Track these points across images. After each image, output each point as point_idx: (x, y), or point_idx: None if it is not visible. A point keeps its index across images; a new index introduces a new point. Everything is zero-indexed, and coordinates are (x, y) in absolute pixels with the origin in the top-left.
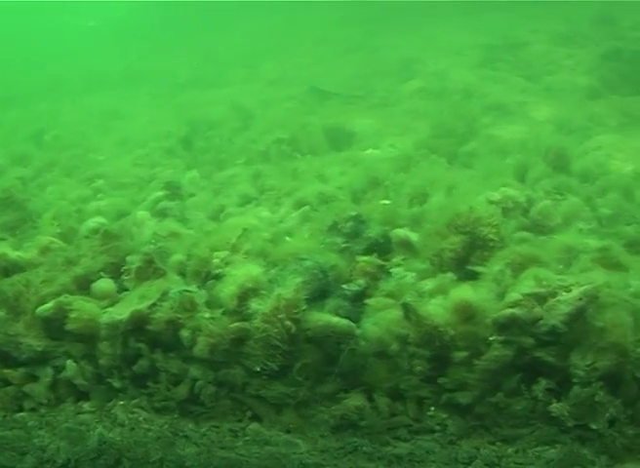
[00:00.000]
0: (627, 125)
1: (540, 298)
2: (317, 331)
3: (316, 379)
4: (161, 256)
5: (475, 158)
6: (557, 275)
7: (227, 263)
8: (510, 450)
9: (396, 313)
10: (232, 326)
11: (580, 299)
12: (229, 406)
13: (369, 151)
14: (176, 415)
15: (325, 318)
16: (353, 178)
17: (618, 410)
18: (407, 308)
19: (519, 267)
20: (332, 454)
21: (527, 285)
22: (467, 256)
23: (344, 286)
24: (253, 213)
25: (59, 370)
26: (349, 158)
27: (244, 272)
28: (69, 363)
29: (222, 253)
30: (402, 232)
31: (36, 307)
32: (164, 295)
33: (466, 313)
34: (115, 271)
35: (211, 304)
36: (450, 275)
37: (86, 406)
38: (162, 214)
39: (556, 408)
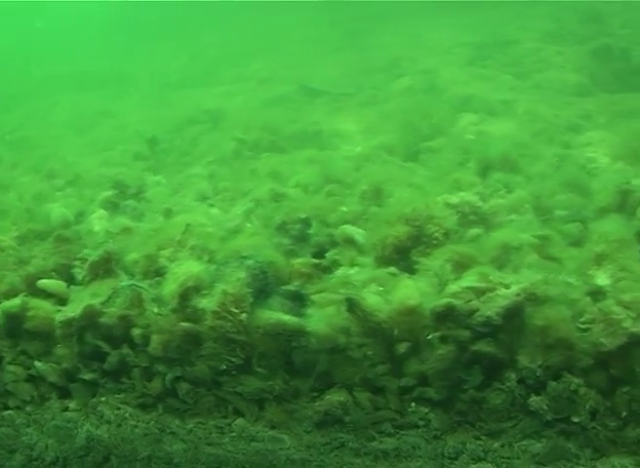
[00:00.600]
0: (615, 122)
1: (479, 292)
2: (268, 328)
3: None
4: (111, 255)
5: (439, 155)
6: (498, 272)
7: (172, 260)
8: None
9: (339, 309)
10: (183, 324)
11: (518, 295)
12: (213, 402)
13: (336, 150)
14: (161, 412)
15: (275, 316)
16: (310, 178)
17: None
18: (350, 302)
19: (461, 264)
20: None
21: (467, 279)
22: (410, 249)
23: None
24: (203, 211)
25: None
26: (314, 157)
27: (185, 269)
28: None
29: (167, 251)
30: (349, 229)
31: None
32: (115, 292)
33: (407, 306)
34: (66, 271)
35: (158, 301)
36: (392, 268)
37: (72, 404)
38: (114, 213)
39: (535, 401)
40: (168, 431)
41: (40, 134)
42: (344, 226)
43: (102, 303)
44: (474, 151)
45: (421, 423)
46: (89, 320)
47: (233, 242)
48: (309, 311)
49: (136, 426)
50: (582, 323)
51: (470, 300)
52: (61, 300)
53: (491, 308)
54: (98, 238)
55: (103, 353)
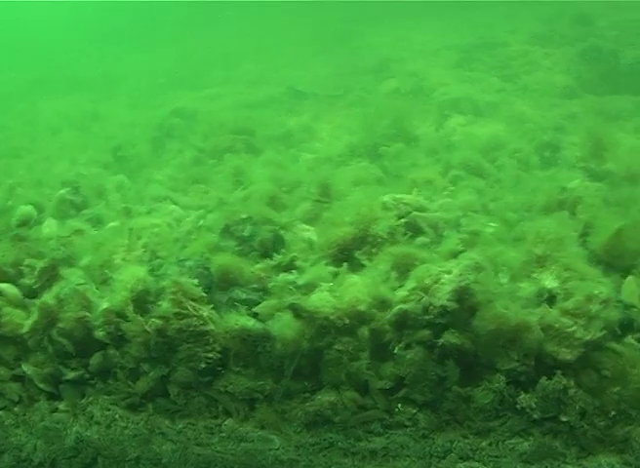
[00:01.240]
0: (602, 123)
1: (426, 288)
2: (234, 333)
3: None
4: (62, 258)
5: (409, 155)
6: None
7: (119, 264)
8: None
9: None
10: (153, 322)
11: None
12: (203, 402)
13: (306, 151)
14: (151, 412)
15: (241, 321)
16: (266, 180)
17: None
18: (294, 308)
19: (405, 264)
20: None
21: (412, 280)
22: (356, 250)
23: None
24: (157, 215)
25: None
26: (278, 159)
27: (130, 273)
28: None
29: (117, 255)
30: (299, 230)
31: None
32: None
33: (355, 306)
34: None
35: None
36: (339, 268)
37: (61, 405)
38: (64, 217)
39: (524, 399)
40: (157, 432)
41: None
42: (299, 226)
43: (58, 305)
44: (449, 152)
45: (409, 423)
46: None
47: (185, 245)
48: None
49: (125, 427)
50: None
51: (421, 298)
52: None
53: (442, 297)
54: (50, 242)
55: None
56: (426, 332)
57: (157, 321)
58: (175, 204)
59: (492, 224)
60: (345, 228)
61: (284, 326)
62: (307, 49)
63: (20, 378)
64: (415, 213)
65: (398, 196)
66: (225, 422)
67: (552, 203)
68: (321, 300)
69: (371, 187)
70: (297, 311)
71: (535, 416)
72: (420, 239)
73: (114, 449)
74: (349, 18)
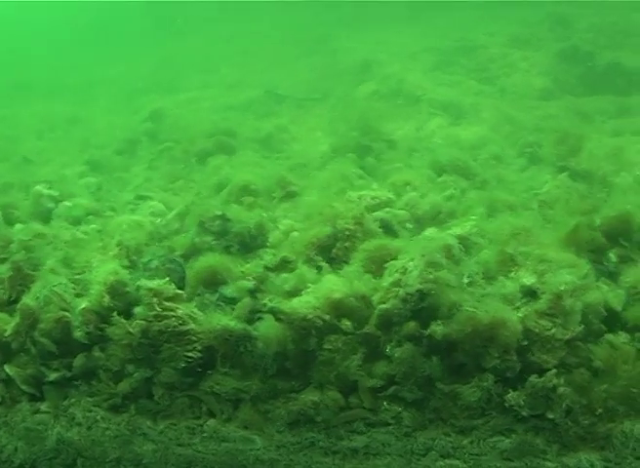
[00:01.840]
0: (579, 124)
1: (399, 282)
2: (216, 333)
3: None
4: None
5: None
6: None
7: (95, 263)
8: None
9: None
10: (137, 324)
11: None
12: (186, 403)
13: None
14: (132, 413)
15: (223, 321)
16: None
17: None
18: (273, 312)
19: (378, 258)
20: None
21: (386, 277)
22: (331, 248)
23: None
24: (134, 214)
25: None
26: (254, 161)
27: (104, 270)
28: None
29: (93, 254)
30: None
31: None
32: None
33: (335, 303)
34: None
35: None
36: (313, 267)
37: (43, 406)
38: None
39: (512, 397)
40: (139, 432)
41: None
42: (285, 222)
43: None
44: (428, 154)
45: (393, 421)
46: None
47: (161, 242)
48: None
49: (107, 428)
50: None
51: (397, 293)
52: None
53: (414, 282)
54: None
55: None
56: (412, 324)
57: (140, 322)
58: (151, 203)
59: (472, 217)
60: (320, 227)
61: (266, 327)
62: (286, 52)
63: (2, 381)
64: (387, 209)
65: (366, 192)
66: (208, 423)
67: (528, 201)
68: (300, 302)
69: (345, 186)
70: (276, 314)
71: (523, 414)
72: (391, 233)
73: (95, 450)
74: (328, 21)
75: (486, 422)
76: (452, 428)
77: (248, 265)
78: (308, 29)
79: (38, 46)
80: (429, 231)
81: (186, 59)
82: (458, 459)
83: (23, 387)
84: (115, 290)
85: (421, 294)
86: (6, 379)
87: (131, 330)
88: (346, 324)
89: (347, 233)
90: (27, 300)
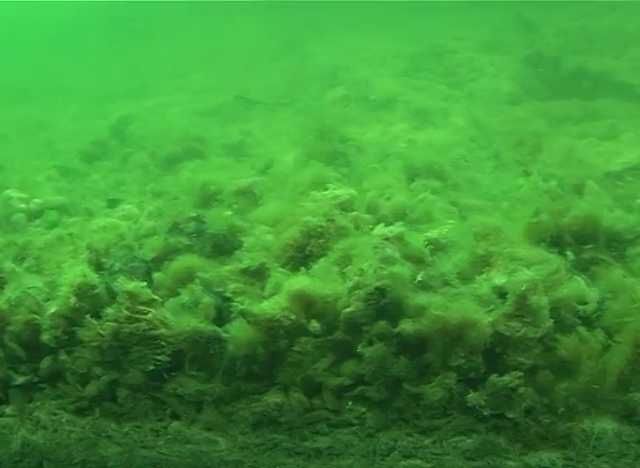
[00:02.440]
0: (545, 128)
1: (359, 284)
2: (186, 335)
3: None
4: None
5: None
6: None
7: (65, 266)
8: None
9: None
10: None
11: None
12: (150, 405)
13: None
14: (97, 416)
15: (193, 323)
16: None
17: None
18: (243, 314)
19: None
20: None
21: (347, 280)
22: (305, 247)
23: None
24: (102, 219)
25: None
26: (222, 165)
27: (73, 273)
28: None
29: (64, 257)
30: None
31: None
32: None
33: (304, 301)
34: None
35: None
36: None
37: (8, 409)
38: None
39: (473, 397)
40: (104, 435)
41: None
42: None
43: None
44: (393, 158)
45: (357, 422)
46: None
47: (131, 245)
48: None
49: (72, 431)
50: None
51: (358, 295)
52: None
53: (371, 281)
54: None
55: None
56: (382, 323)
57: (112, 323)
58: (123, 207)
59: (450, 221)
60: (293, 228)
61: (237, 329)
62: (257, 56)
63: None
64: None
65: (329, 191)
66: (172, 425)
67: (497, 202)
68: (269, 303)
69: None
70: (246, 316)
71: (485, 413)
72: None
73: (60, 453)
74: (298, 26)
75: (448, 422)
76: (414, 428)
77: (225, 267)
78: (279, 33)
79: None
80: (378, 229)
81: (157, 65)
82: (420, 459)
83: None
84: (83, 292)
85: (382, 291)
86: None
87: (102, 331)
88: (315, 326)
89: (320, 230)
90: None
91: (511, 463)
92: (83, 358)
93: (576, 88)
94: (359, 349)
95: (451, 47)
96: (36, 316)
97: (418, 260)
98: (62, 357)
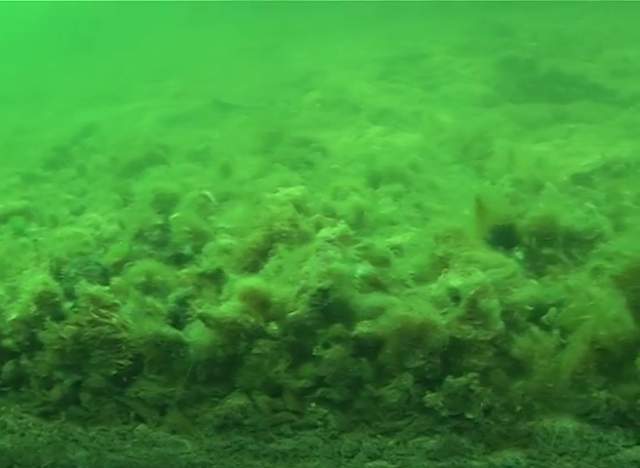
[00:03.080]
0: (521, 131)
1: (304, 287)
2: (147, 339)
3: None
4: None
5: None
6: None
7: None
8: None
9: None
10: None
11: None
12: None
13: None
14: (63, 420)
15: (155, 327)
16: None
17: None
18: (202, 317)
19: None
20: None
21: (294, 285)
22: (267, 250)
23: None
24: (69, 225)
25: None
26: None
27: (34, 282)
28: None
29: (27, 264)
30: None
31: None
32: None
33: (256, 300)
34: None
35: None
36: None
37: None
38: None
39: (430, 398)
40: (71, 439)
41: None
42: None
43: None
44: (366, 161)
45: (320, 423)
46: None
47: (95, 251)
48: None
49: (39, 435)
50: None
51: (304, 299)
52: None
53: (313, 283)
54: None
55: None
56: (339, 326)
57: (72, 327)
58: (87, 215)
59: (413, 229)
60: (257, 232)
61: (197, 333)
62: (234, 61)
63: None
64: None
65: (283, 190)
66: (137, 428)
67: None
68: (227, 306)
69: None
70: (205, 320)
71: (443, 414)
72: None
73: (28, 457)
74: (274, 30)
75: (409, 423)
76: (376, 429)
77: (184, 270)
78: (255, 39)
79: None
80: (322, 231)
81: (135, 70)
82: (385, 460)
83: None
84: (43, 300)
85: (324, 292)
86: None
87: (63, 335)
88: (273, 329)
89: (284, 235)
90: None
91: (476, 463)
92: (44, 362)
93: (549, 91)
94: (315, 352)
95: (427, 50)
96: None
97: (381, 262)
98: (24, 361)
